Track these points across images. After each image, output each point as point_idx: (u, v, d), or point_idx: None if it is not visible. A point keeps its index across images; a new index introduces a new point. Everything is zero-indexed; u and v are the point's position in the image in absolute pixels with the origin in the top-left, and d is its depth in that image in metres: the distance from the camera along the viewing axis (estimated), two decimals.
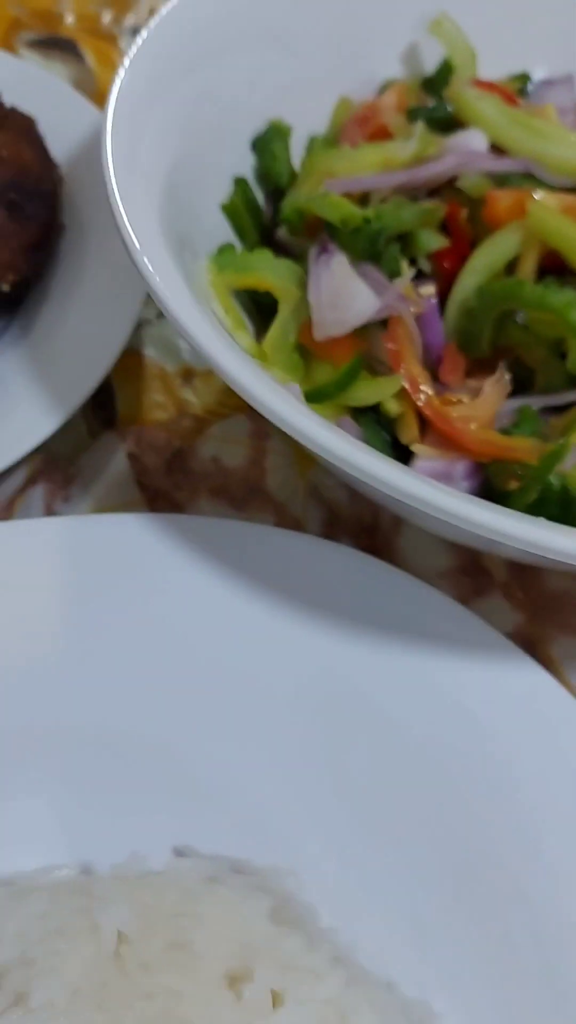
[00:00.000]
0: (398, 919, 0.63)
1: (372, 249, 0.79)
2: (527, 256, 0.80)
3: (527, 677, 0.69)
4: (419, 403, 0.71)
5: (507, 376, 0.73)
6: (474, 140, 0.83)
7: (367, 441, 0.75)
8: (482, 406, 0.71)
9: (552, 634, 0.83)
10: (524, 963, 0.61)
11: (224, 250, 0.79)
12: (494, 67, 1.00)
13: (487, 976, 0.61)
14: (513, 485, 0.69)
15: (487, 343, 0.78)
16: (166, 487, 0.89)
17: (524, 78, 0.99)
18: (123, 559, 0.72)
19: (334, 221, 0.78)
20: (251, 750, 0.68)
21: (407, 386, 0.72)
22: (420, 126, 0.84)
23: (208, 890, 0.58)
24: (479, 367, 0.80)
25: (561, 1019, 0.59)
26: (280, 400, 0.60)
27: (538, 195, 0.80)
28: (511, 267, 0.81)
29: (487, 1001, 0.60)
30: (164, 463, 0.90)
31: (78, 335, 0.89)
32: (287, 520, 0.88)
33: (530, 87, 1.00)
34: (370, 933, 0.62)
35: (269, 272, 0.78)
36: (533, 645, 0.81)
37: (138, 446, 0.91)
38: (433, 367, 0.78)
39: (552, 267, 0.80)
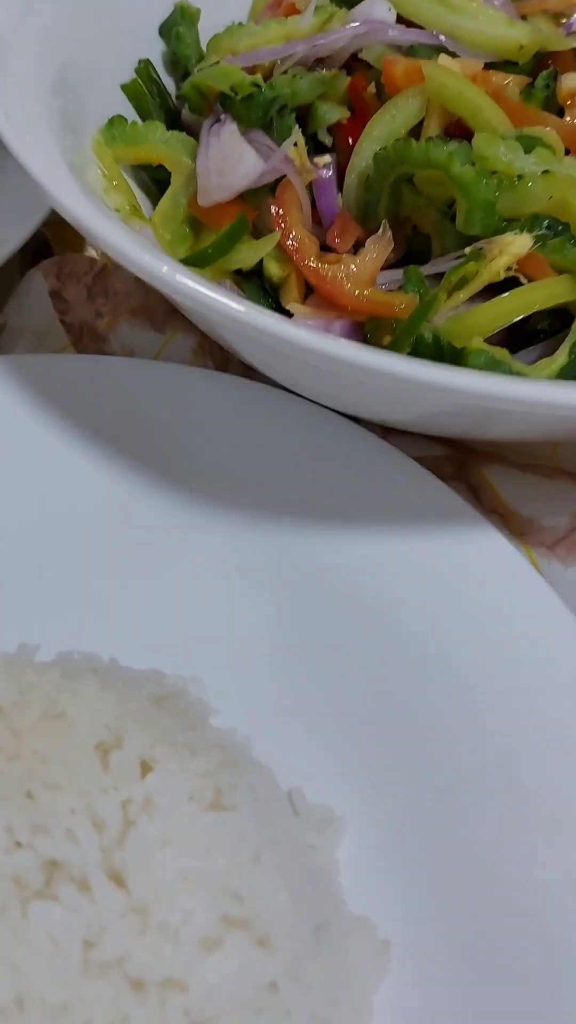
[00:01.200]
0: (310, 731, 0.63)
1: (264, 118, 0.77)
2: (429, 122, 0.77)
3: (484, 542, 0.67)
4: (295, 259, 0.68)
5: (388, 234, 0.70)
6: (377, 9, 0.80)
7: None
8: (362, 264, 0.68)
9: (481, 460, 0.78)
10: (431, 780, 0.61)
11: (114, 122, 0.77)
12: None
13: (394, 789, 0.61)
14: (387, 340, 0.66)
15: (384, 211, 0.75)
16: (88, 318, 0.86)
17: None
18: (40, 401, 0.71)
19: (224, 89, 0.76)
20: (176, 574, 0.67)
21: (286, 246, 0.69)
22: (321, 1, 0.82)
23: (91, 674, 0.58)
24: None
25: (459, 829, 0.59)
26: (120, 234, 0.58)
27: (442, 59, 0.77)
28: (416, 137, 0.79)
29: (392, 808, 0.60)
30: (85, 290, 0.87)
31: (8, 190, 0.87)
32: (209, 342, 0.85)
33: None
34: (281, 745, 0.62)
35: (160, 143, 0.77)
36: (465, 468, 0.77)
37: (59, 279, 0.88)
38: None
39: (461, 134, 0.77)
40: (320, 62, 0.83)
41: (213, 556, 0.66)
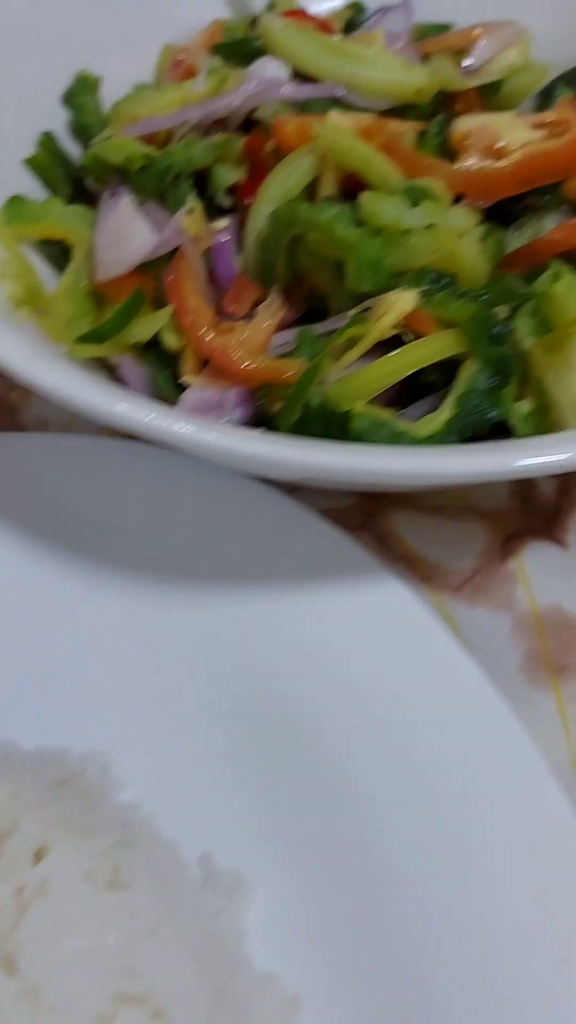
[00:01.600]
0: (222, 796, 0.64)
1: (160, 187, 0.78)
2: (324, 178, 0.78)
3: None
4: (187, 332, 0.70)
5: (278, 301, 0.71)
6: (269, 68, 0.82)
7: (151, 380, 0.74)
8: (253, 331, 0.70)
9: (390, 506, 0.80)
10: (342, 839, 0.62)
11: (13, 201, 0.79)
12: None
13: (307, 850, 0.62)
14: (277, 407, 0.68)
15: (282, 271, 0.77)
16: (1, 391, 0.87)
17: (356, 7, 0.97)
18: None
19: (117, 162, 0.77)
20: (81, 645, 0.68)
21: (179, 318, 0.71)
22: (215, 61, 0.83)
23: None
24: (282, 299, 0.79)
25: (374, 891, 0.60)
26: None
27: (332, 116, 0.78)
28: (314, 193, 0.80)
29: (303, 869, 0.61)
30: None
31: None
32: None
33: (369, 16, 0.97)
34: (192, 812, 0.63)
35: (59, 220, 0.78)
36: (374, 517, 0.78)
37: None
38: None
39: (358, 187, 0.78)
40: (220, 123, 0.84)
41: (117, 625, 0.68)
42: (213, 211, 0.82)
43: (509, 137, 0.79)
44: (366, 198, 0.70)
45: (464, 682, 0.64)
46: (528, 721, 0.65)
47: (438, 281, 0.68)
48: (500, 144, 0.79)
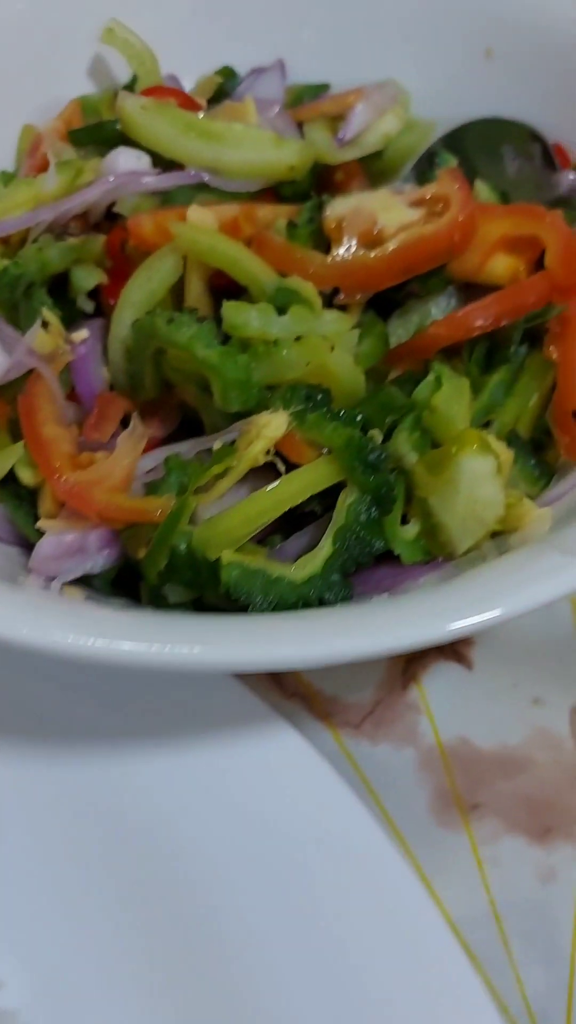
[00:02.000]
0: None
1: (12, 298, 0.72)
2: (190, 278, 0.73)
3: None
4: (40, 468, 0.64)
5: (140, 428, 0.65)
6: (124, 160, 0.76)
7: (10, 518, 0.68)
8: (113, 465, 0.64)
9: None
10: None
11: None
12: (202, 62, 0.92)
13: None
14: (142, 553, 0.62)
15: (151, 382, 0.71)
16: None
17: (227, 72, 0.91)
18: None
19: None
20: None
21: (32, 450, 0.65)
22: (67, 152, 0.77)
23: None
24: (153, 411, 0.73)
25: None
26: None
27: (192, 212, 0.73)
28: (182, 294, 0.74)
29: None
30: None
31: None
32: None
33: (241, 81, 0.92)
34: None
35: None
36: None
37: None
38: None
39: (229, 284, 0.72)
40: (81, 217, 0.78)
41: None
42: (75, 316, 0.75)
43: (385, 219, 0.74)
44: (228, 310, 0.65)
45: (352, 830, 0.59)
46: (441, 865, 0.61)
47: (311, 399, 0.63)
48: (377, 227, 0.73)
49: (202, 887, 0.61)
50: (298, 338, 0.65)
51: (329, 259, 0.72)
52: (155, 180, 0.76)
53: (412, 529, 0.63)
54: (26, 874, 0.61)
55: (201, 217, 0.71)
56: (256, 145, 0.78)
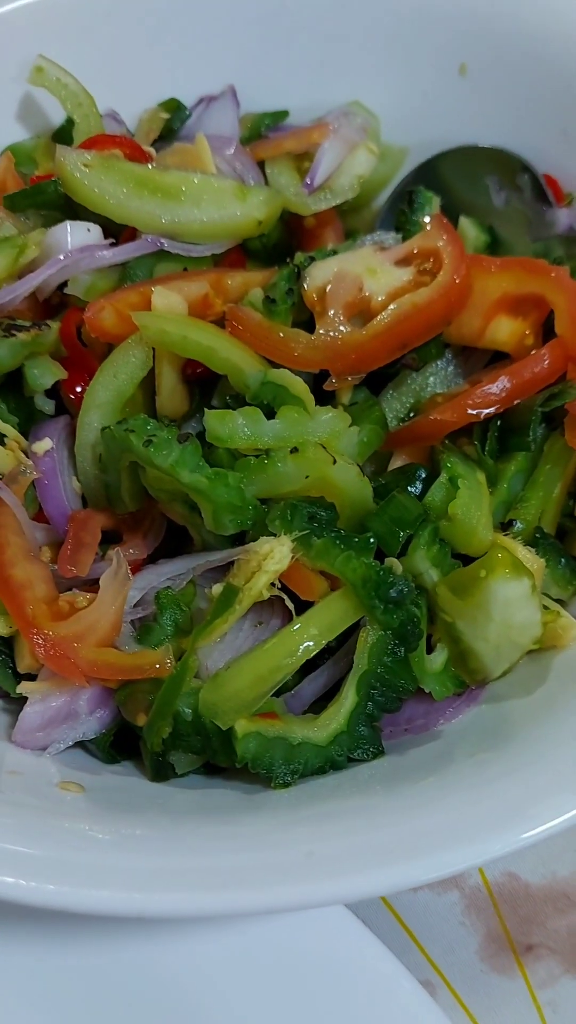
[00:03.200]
0: None
1: None
2: (162, 369, 0.64)
3: None
4: (16, 622, 0.57)
5: (125, 568, 0.58)
6: (74, 235, 0.67)
7: None
8: (98, 615, 0.57)
9: None
10: None
11: None
12: (144, 91, 0.82)
13: None
14: (141, 720, 0.55)
15: (129, 493, 0.63)
16: None
17: (173, 104, 0.81)
18: None
19: None
20: None
21: (3, 599, 0.57)
22: (5, 225, 0.68)
23: None
24: (134, 525, 0.65)
25: None
26: None
27: (157, 297, 0.64)
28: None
29: None
30: None
31: None
32: None
33: (189, 113, 0.82)
34: None
35: None
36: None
37: None
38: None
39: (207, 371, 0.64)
40: (29, 298, 0.69)
41: None
42: (33, 415, 0.67)
43: (372, 284, 0.66)
44: (212, 420, 0.57)
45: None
46: (497, 1013, 0.56)
47: (315, 519, 0.55)
48: (363, 294, 0.65)
49: None
50: (294, 449, 0.56)
51: (315, 338, 0.64)
52: (110, 254, 0.67)
53: (440, 657, 0.57)
54: None
55: (168, 302, 0.63)
56: (217, 200, 0.70)
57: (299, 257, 0.68)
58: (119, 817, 0.52)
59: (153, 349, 0.64)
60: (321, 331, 0.64)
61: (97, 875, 0.45)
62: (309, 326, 0.66)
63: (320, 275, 0.66)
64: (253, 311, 0.65)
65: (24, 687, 0.56)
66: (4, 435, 0.63)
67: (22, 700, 0.59)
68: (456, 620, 0.56)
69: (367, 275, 0.66)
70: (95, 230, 0.68)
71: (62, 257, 0.67)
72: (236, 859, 0.47)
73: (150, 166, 0.71)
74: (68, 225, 0.67)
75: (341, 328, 0.64)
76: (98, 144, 0.73)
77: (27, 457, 0.63)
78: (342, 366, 0.64)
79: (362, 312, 0.66)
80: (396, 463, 0.65)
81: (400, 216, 0.72)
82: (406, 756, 0.54)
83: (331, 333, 0.64)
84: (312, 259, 0.67)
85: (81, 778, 0.55)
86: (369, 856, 0.44)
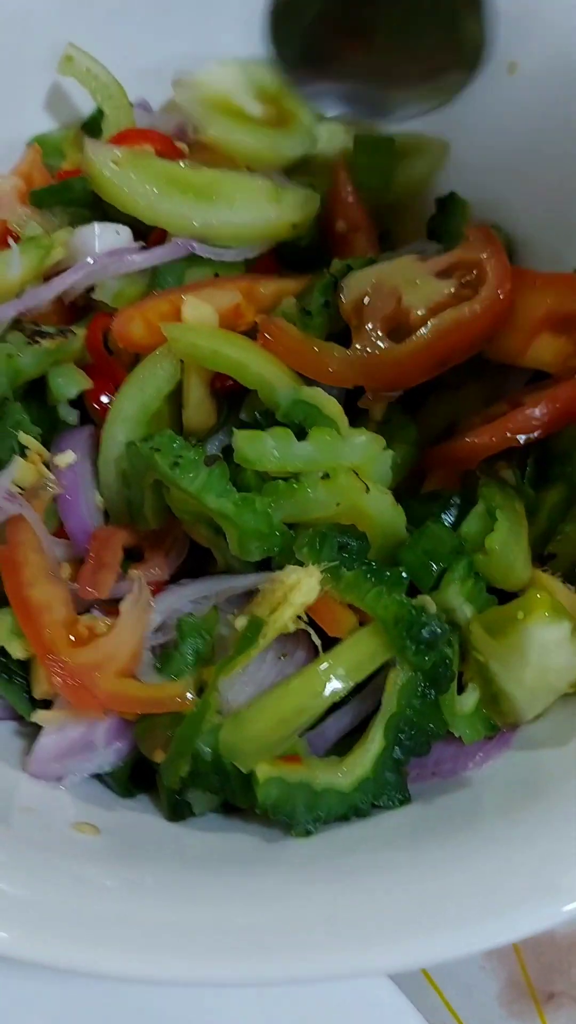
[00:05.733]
0: None
1: None
2: (190, 386, 0.62)
3: None
4: (33, 648, 0.55)
5: (146, 594, 0.56)
6: (101, 237, 0.64)
7: (3, 694, 0.59)
8: (118, 643, 0.55)
9: None
10: None
11: None
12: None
13: None
14: (159, 756, 0.53)
15: (152, 511, 0.61)
16: None
17: None
18: None
19: None
20: None
21: (21, 621, 0.56)
22: (31, 225, 0.65)
23: None
24: (157, 542, 0.63)
25: None
26: None
27: (188, 308, 0.61)
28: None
29: None
30: None
31: None
32: None
33: None
34: None
35: None
36: None
37: None
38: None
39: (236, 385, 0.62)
40: (55, 301, 0.67)
41: None
42: (56, 425, 0.65)
43: (411, 296, 0.63)
44: (241, 441, 0.55)
45: None
46: None
47: (345, 549, 0.53)
48: (402, 306, 0.62)
49: None
50: (326, 474, 0.54)
51: (351, 353, 0.61)
52: (140, 259, 0.65)
53: (471, 699, 0.54)
54: None
55: (199, 314, 0.61)
56: (251, 201, 0.67)
57: (336, 265, 0.65)
58: (131, 864, 0.50)
59: (181, 361, 0.61)
60: (358, 346, 0.61)
61: (100, 930, 0.43)
62: (342, 337, 0.63)
63: (358, 286, 0.64)
64: (287, 323, 0.62)
65: (39, 716, 0.55)
66: (26, 447, 0.60)
67: (36, 724, 0.57)
68: (489, 660, 0.54)
69: (406, 287, 0.63)
70: (124, 232, 0.65)
71: (90, 261, 0.64)
72: (251, 918, 0.45)
73: (182, 164, 0.68)
74: (96, 227, 0.64)
75: (379, 344, 0.61)
76: (128, 139, 0.70)
77: (49, 469, 0.61)
78: (379, 383, 0.61)
79: (400, 326, 0.62)
80: (428, 486, 0.62)
81: (434, 223, 0.69)
82: (433, 804, 0.52)
83: (368, 349, 0.61)
84: (349, 268, 0.64)
85: (97, 815, 0.53)
86: (395, 925, 0.42)
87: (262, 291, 0.65)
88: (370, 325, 0.62)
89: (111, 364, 0.65)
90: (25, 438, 0.61)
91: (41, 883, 0.46)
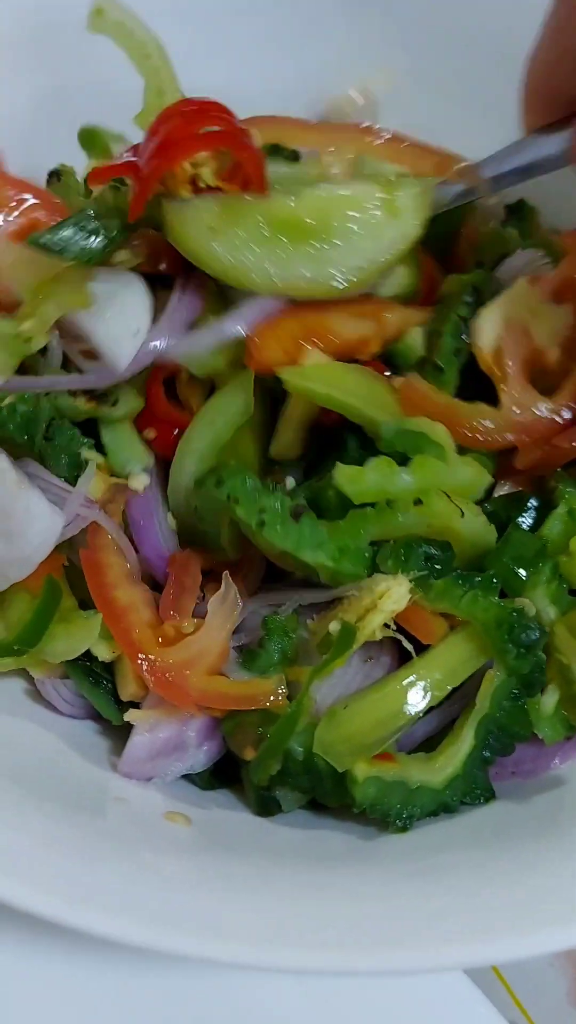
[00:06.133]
0: None
1: (30, 441, 0.58)
2: (288, 426, 0.60)
3: None
4: (120, 645, 0.55)
5: (233, 592, 0.56)
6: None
7: (89, 698, 0.59)
8: (208, 640, 0.55)
9: None
10: None
11: None
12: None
13: None
14: (250, 754, 0.54)
15: (229, 542, 0.59)
16: None
17: None
18: None
19: None
20: None
21: (108, 624, 0.56)
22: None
23: None
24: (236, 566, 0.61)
25: None
26: None
27: (311, 355, 0.58)
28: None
29: None
30: None
31: None
32: None
33: None
34: None
35: None
36: None
37: None
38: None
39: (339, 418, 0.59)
40: None
41: None
42: None
43: (539, 330, 0.59)
44: (343, 477, 0.54)
45: None
46: None
47: (432, 559, 0.54)
48: (535, 344, 0.60)
49: None
50: (418, 500, 0.54)
51: (504, 418, 0.58)
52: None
53: (551, 700, 0.56)
54: None
55: (317, 361, 0.58)
56: (369, 227, 0.57)
57: (460, 308, 0.61)
58: (227, 856, 0.51)
59: (267, 394, 0.60)
60: (515, 409, 0.58)
61: (178, 914, 0.44)
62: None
63: (491, 329, 0.60)
64: (428, 387, 0.58)
65: (132, 715, 0.55)
66: (90, 460, 0.60)
67: (115, 725, 0.58)
68: (572, 662, 0.55)
69: (531, 319, 0.59)
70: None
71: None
72: (357, 910, 0.46)
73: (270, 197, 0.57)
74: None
75: (536, 409, 0.57)
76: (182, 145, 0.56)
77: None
78: (546, 462, 0.59)
79: (537, 368, 0.59)
80: (502, 489, 0.61)
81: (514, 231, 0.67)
82: (516, 804, 0.54)
83: (521, 411, 0.57)
84: (468, 304, 0.61)
85: (186, 809, 0.54)
86: (486, 921, 0.43)
87: (388, 318, 0.61)
88: (512, 374, 0.58)
89: (174, 413, 0.62)
90: (90, 453, 0.60)
91: (128, 872, 0.46)
